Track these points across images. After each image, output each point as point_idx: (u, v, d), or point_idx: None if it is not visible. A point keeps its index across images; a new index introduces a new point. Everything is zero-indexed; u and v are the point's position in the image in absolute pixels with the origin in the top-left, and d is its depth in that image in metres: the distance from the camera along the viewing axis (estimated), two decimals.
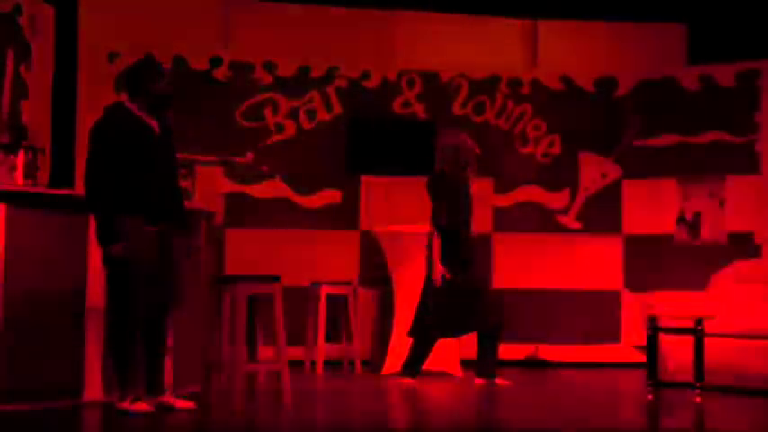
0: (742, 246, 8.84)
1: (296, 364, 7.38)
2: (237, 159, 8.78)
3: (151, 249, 5.49)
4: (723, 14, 9.12)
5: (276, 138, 8.98)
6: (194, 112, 8.54)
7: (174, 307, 5.67)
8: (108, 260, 5.44)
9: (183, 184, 6.93)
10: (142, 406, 5.40)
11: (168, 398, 5.63)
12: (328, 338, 8.12)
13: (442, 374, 7.83)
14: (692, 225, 9.15)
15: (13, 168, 6.00)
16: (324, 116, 9.07)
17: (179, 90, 7.96)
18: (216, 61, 8.86)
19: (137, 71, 5.64)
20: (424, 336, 7.21)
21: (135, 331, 5.46)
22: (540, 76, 9.41)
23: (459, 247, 7.14)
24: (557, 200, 9.35)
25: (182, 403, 5.63)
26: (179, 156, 5.92)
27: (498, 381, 7.13)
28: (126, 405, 5.40)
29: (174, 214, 5.65)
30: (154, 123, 5.60)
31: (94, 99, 8.49)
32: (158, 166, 5.56)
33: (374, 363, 8.28)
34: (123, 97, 5.66)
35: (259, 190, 8.87)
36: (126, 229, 5.39)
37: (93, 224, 5.70)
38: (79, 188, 7.65)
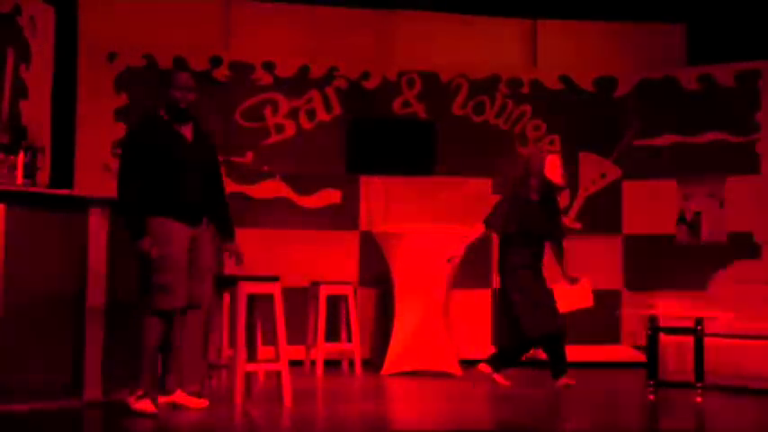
0: (742, 246, 8.84)
1: (296, 364, 7.37)
2: (237, 159, 8.78)
3: (183, 249, 5.58)
4: (723, 14, 9.12)
5: (276, 138, 8.97)
6: (194, 112, 8.51)
7: (202, 310, 5.74)
8: (139, 254, 5.53)
9: None
10: (146, 405, 5.42)
11: (180, 396, 5.66)
12: (328, 338, 8.12)
13: (443, 374, 7.83)
14: (692, 225, 9.15)
15: (13, 168, 6.00)
16: (324, 116, 9.07)
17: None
18: (216, 61, 8.86)
19: (163, 81, 5.80)
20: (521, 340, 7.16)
21: (161, 327, 5.53)
22: (540, 76, 9.41)
23: (508, 251, 7.15)
24: None
25: (194, 402, 5.68)
26: None
27: (496, 376, 7.09)
28: (132, 400, 5.45)
29: (212, 218, 5.82)
30: (185, 131, 5.72)
31: (94, 99, 8.51)
32: (189, 171, 5.66)
33: (374, 362, 8.28)
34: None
35: (259, 190, 8.87)
36: (153, 226, 5.50)
37: (93, 223, 5.75)
38: (79, 188, 7.69)
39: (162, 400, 5.60)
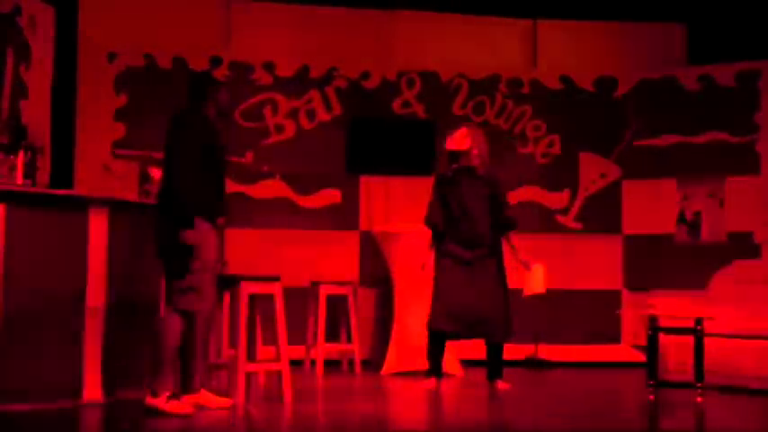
0: (742, 246, 8.84)
1: (296, 364, 7.37)
2: (237, 159, 8.78)
3: (217, 250, 5.60)
4: (723, 14, 9.12)
5: (276, 138, 8.98)
6: None
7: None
8: (182, 247, 5.45)
9: None
10: (179, 406, 5.42)
11: (204, 396, 5.66)
12: (328, 338, 8.12)
13: (442, 374, 7.81)
14: (692, 225, 9.15)
15: (13, 168, 6.00)
16: (324, 116, 9.07)
17: (178, 90, 8.00)
18: (216, 61, 8.86)
19: (207, 79, 5.75)
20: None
21: (183, 328, 5.54)
22: (540, 76, 9.41)
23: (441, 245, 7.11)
24: (557, 200, 9.35)
25: (218, 402, 5.68)
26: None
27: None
28: (160, 403, 5.42)
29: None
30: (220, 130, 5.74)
31: (94, 99, 8.51)
32: (222, 171, 5.69)
33: (374, 362, 8.28)
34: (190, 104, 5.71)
35: (259, 190, 8.87)
36: (198, 227, 5.46)
37: (93, 223, 5.74)
38: (78, 188, 7.69)
39: (187, 399, 5.58)
